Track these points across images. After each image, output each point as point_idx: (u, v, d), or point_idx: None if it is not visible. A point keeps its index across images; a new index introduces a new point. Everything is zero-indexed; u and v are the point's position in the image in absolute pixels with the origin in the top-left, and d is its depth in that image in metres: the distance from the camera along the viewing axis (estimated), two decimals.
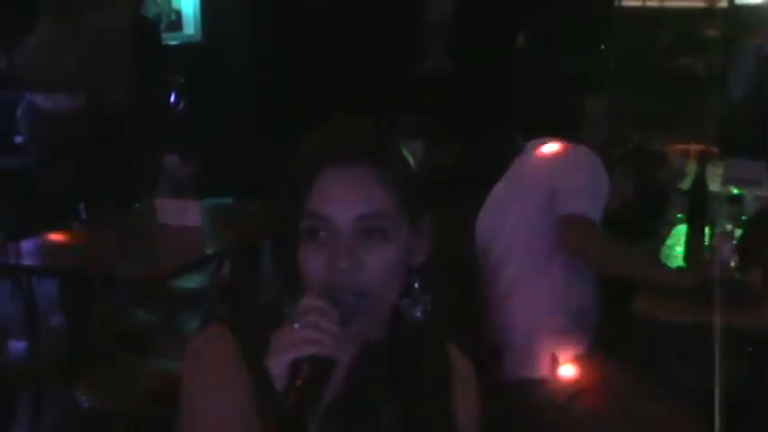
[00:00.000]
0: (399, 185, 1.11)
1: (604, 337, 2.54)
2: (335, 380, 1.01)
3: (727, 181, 3.74)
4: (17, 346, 3.03)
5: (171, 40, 6.40)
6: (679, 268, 2.64)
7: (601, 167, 2.55)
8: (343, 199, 1.08)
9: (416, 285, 1.15)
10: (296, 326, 1.00)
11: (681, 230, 3.06)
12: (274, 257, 1.15)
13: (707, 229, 2.96)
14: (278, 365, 0.98)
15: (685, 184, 3.31)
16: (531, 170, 2.65)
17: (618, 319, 2.51)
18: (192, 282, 3.34)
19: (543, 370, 2.42)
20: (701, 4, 7.23)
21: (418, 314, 1.15)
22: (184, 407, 1.12)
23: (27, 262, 3.03)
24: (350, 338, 1.03)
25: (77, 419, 2.83)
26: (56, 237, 3.37)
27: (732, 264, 2.62)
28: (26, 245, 3.08)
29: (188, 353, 1.14)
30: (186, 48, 6.69)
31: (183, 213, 3.23)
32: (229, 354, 1.11)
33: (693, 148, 4.96)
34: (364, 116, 1.17)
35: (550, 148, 2.66)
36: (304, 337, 0.99)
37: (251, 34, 6.74)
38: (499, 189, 2.72)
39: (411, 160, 1.16)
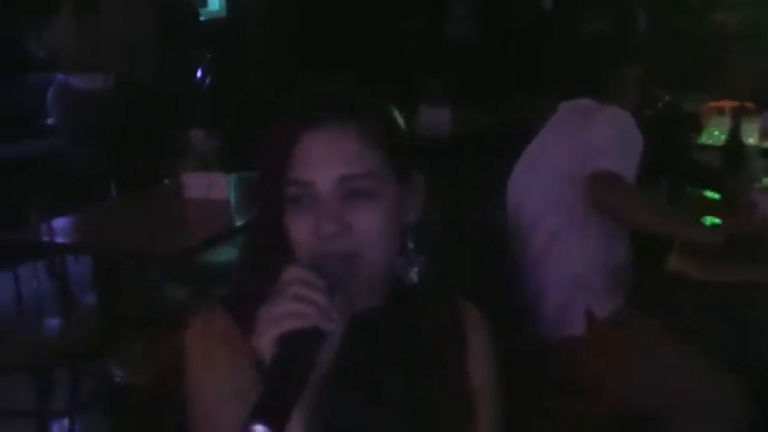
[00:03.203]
0: (383, 143, 1.07)
1: (637, 296, 2.50)
2: (329, 353, 0.95)
3: (763, 134, 3.66)
4: (52, 323, 3.07)
5: None
6: (713, 225, 2.59)
7: (633, 125, 2.51)
8: (323, 161, 1.04)
9: (411, 245, 1.10)
10: (279, 299, 0.94)
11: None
12: (262, 229, 1.10)
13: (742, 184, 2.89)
14: (264, 343, 0.93)
15: (721, 140, 3.24)
16: (564, 128, 2.63)
17: (650, 278, 2.47)
18: (221, 255, 3.35)
19: (580, 327, 2.40)
20: None
21: (414, 275, 1.10)
22: (189, 392, 1.09)
23: (59, 240, 3.05)
24: (341, 307, 0.97)
25: (111, 393, 2.86)
26: (87, 215, 3.39)
27: None
28: (58, 223, 3.10)
29: (188, 336, 1.10)
30: (211, 24, 6.69)
31: (211, 187, 3.23)
32: (228, 334, 1.06)
33: (728, 104, 4.85)
34: (342, 75, 1.12)
35: (583, 107, 2.63)
36: (287, 310, 0.93)
37: (274, 7, 6.70)
38: (533, 147, 2.70)
39: (397, 116, 1.11)
